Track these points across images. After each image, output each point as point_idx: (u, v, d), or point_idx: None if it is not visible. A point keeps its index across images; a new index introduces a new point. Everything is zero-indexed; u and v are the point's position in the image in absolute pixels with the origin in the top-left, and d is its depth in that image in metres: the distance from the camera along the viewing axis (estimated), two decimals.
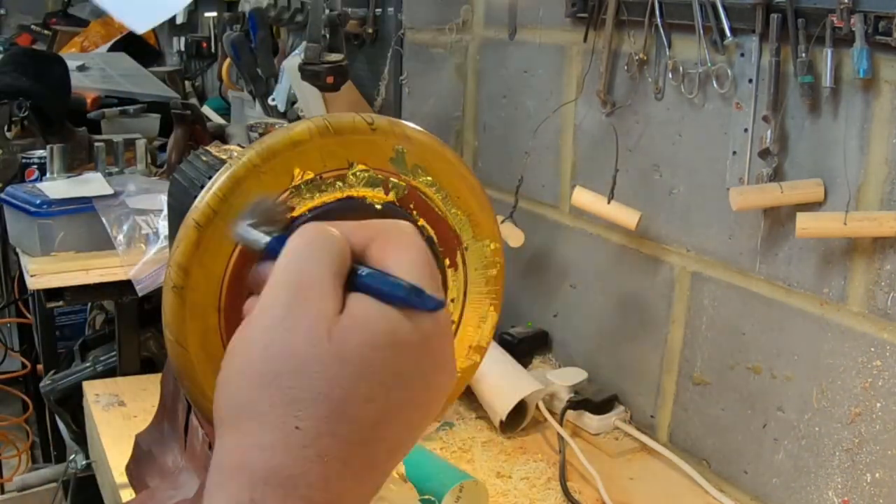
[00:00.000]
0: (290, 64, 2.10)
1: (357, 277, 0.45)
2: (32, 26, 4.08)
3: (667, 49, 1.24)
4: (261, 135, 2.03)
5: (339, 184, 0.76)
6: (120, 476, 1.20)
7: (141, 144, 2.04)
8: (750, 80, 1.12)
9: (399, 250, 0.46)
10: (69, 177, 1.86)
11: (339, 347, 0.42)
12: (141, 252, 1.61)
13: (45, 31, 3.96)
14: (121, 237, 1.63)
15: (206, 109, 2.86)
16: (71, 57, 2.83)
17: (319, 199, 0.76)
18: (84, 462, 1.52)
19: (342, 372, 0.42)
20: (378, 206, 0.78)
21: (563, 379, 1.43)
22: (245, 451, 0.41)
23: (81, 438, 1.66)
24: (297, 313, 0.43)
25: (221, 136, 2.34)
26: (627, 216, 1.31)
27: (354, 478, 0.42)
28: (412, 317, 0.44)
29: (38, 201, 1.66)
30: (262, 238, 0.52)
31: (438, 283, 0.47)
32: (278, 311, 0.43)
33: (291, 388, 0.42)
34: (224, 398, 0.44)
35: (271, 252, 0.49)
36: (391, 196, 0.79)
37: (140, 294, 1.57)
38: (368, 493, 0.44)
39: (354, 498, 0.43)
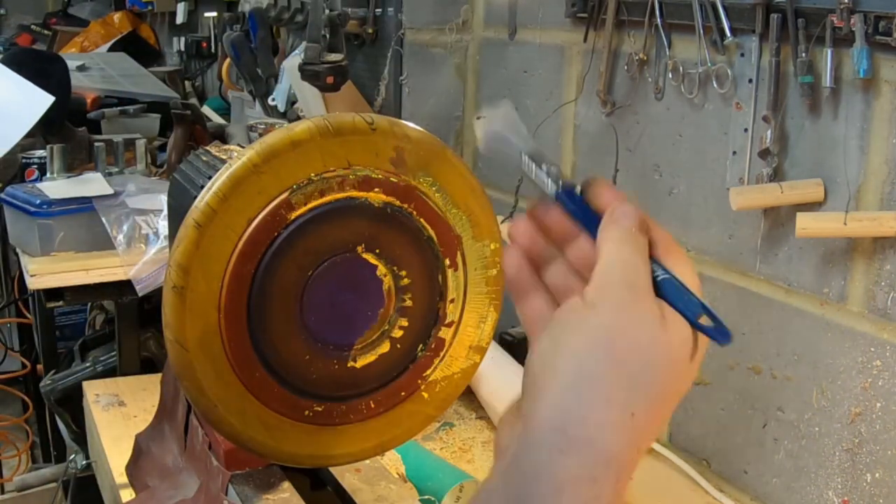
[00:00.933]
0: (290, 64, 2.10)
1: (664, 286, 0.49)
2: (32, 26, 4.08)
3: (667, 49, 1.24)
4: (261, 135, 2.03)
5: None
6: (120, 476, 1.20)
7: (141, 144, 2.04)
8: (750, 80, 1.12)
9: (683, 263, 0.51)
10: (69, 177, 1.86)
11: (669, 350, 0.47)
12: (141, 252, 1.61)
13: (45, 31, 3.96)
14: (121, 237, 1.63)
15: (206, 109, 2.86)
16: (71, 57, 2.83)
17: (320, 200, 0.76)
18: (84, 462, 1.52)
19: (668, 370, 0.47)
20: (378, 206, 0.78)
21: None
22: (593, 426, 0.44)
23: (81, 438, 1.66)
24: (641, 311, 0.47)
25: (221, 136, 2.34)
26: None
27: (636, 463, 0.46)
28: (702, 340, 0.49)
29: (38, 201, 1.66)
30: (549, 179, 0.56)
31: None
32: (625, 305, 0.47)
33: (636, 376, 0.45)
34: (556, 363, 0.47)
35: (560, 201, 0.54)
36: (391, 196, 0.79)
37: (140, 294, 1.57)
38: None
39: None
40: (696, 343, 0.49)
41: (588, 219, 0.52)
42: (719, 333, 0.49)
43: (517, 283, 0.55)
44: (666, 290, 0.48)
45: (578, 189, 0.54)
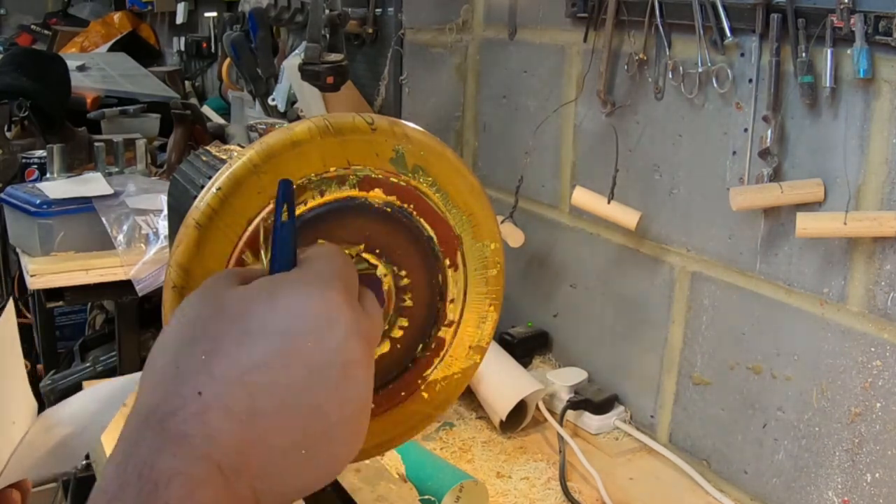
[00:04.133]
0: (290, 64, 2.10)
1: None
2: (32, 26, 4.08)
3: (667, 49, 1.24)
4: (261, 135, 2.03)
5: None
6: None
7: (141, 144, 2.04)
8: (750, 80, 1.12)
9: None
10: (69, 177, 1.86)
11: (218, 301, 0.48)
12: (141, 252, 1.61)
13: (45, 31, 3.96)
14: (121, 237, 1.63)
15: (206, 109, 2.86)
16: (71, 57, 2.83)
17: (320, 200, 0.76)
18: (84, 462, 1.52)
19: (216, 318, 0.47)
20: (378, 206, 0.78)
21: (563, 379, 1.43)
22: (141, 397, 0.47)
23: None
24: (206, 286, 0.51)
25: (221, 136, 2.34)
26: (627, 216, 1.31)
27: (242, 420, 0.45)
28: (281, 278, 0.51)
29: (38, 201, 1.66)
30: None
31: (343, 280, 0.52)
32: (194, 294, 0.51)
33: (180, 334, 0.48)
34: (147, 369, 0.50)
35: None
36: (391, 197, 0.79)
37: (140, 294, 1.57)
38: (288, 452, 0.46)
39: (258, 445, 0.45)
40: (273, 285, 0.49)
41: None
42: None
43: None
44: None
45: None
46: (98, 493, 0.44)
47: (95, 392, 0.88)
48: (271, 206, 0.73)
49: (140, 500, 0.42)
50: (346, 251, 0.61)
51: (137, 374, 0.88)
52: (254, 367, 0.46)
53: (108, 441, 1.33)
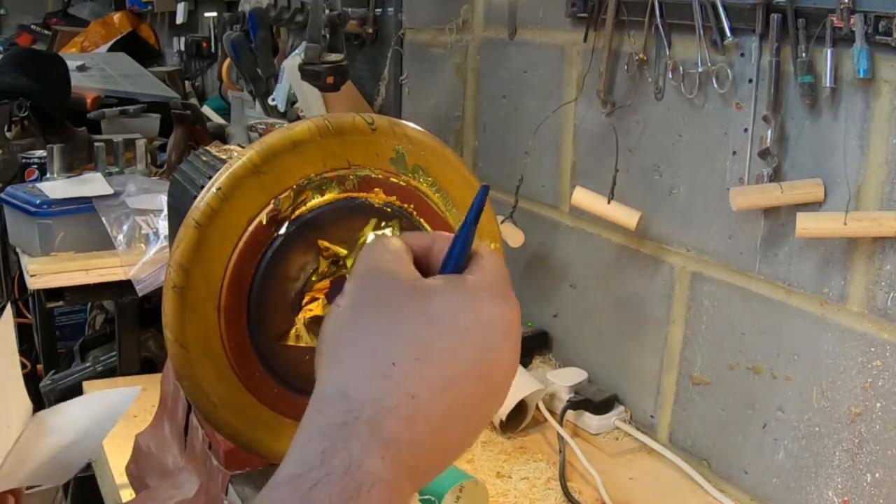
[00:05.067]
0: (290, 64, 2.10)
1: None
2: (32, 26, 4.08)
3: (667, 49, 1.24)
4: (261, 135, 2.03)
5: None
6: (120, 476, 1.20)
7: (141, 144, 2.04)
8: (750, 80, 1.12)
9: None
10: (69, 177, 1.86)
11: (424, 301, 0.48)
12: (141, 252, 1.61)
13: (45, 31, 3.96)
14: (121, 237, 1.63)
15: (206, 109, 2.86)
16: (71, 57, 2.83)
17: (320, 199, 0.76)
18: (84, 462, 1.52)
19: (427, 321, 0.48)
20: (378, 206, 0.78)
21: (563, 379, 1.43)
22: (346, 382, 0.47)
23: None
24: (384, 281, 0.50)
25: (221, 136, 2.34)
26: (627, 216, 1.31)
27: (435, 422, 0.47)
28: (486, 288, 0.51)
29: (38, 201, 1.66)
30: None
31: (504, 273, 0.53)
32: (367, 280, 0.51)
33: (386, 333, 0.48)
34: (327, 341, 0.50)
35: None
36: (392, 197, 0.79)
37: (140, 294, 1.57)
38: (449, 448, 0.49)
39: (437, 442, 0.47)
40: (477, 300, 0.50)
41: None
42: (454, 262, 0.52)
43: None
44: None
45: None
46: (297, 474, 0.44)
47: (92, 402, 0.89)
48: (271, 205, 0.73)
49: (344, 498, 0.43)
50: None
51: (135, 389, 0.88)
52: (459, 378, 0.48)
53: (109, 441, 1.33)
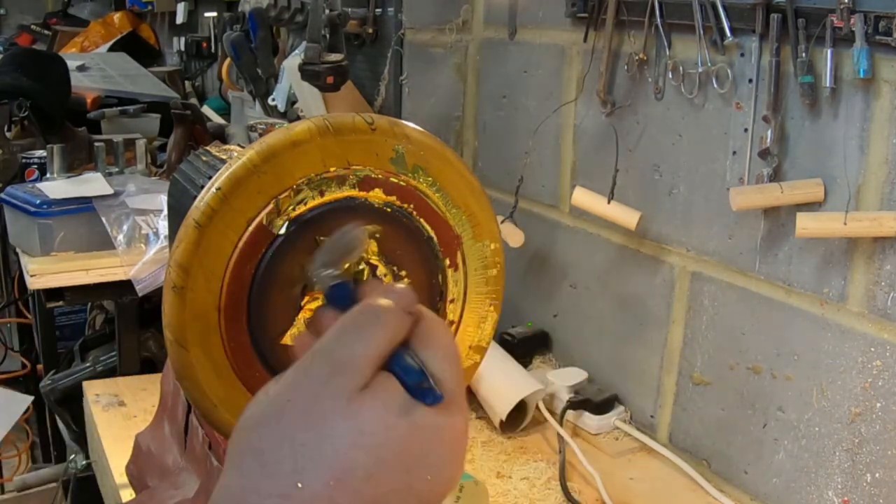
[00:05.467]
0: (290, 64, 2.10)
1: (393, 359, 0.48)
2: (32, 26, 4.08)
3: (667, 49, 1.24)
4: (261, 135, 2.03)
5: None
6: (120, 476, 1.20)
7: (141, 144, 2.04)
8: (750, 80, 1.12)
9: (441, 341, 0.49)
10: (69, 177, 1.86)
11: (355, 418, 0.44)
12: (141, 252, 1.61)
13: (45, 31, 3.96)
14: (121, 237, 1.63)
15: (206, 109, 2.86)
16: (71, 57, 2.83)
17: (320, 200, 0.76)
18: (84, 462, 1.52)
19: (351, 441, 0.44)
20: (378, 206, 0.78)
21: (563, 379, 1.43)
22: (245, 494, 0.43)
23: (81, 438, 1.66)
24: (327, 382, 0.45)
25: (221, 136, 2.34)
26: (627, 216, 1.31)
27: None
28: (433, 410, 0.46)
29: (38, 201, 1.66)
30: (326, 281, 0.54)
31: (460, 378, 0.49)
32: (313, 375, 0.46)
33: (303, 446, 0.44)
34: (239, 439, 0.46)
35: (330, 298, 0.53)
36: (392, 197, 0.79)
37: (140, 294, 1.57)
38: None
39: None
40: (411, 420, 0.46)
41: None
42: (423, 393, 0.47)
43: None
44: (392, 364, 0.47)
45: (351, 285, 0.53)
46: None
47: None
48: (271, 205, 0.73)
49: None
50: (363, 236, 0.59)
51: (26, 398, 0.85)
52: (377, 499, 0.44)
53: (109, 441, 1.33)
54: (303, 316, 0.78)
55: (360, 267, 0.59)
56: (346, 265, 0.56)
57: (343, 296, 0.53)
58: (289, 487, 0.43)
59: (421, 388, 0.47)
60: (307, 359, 0.47)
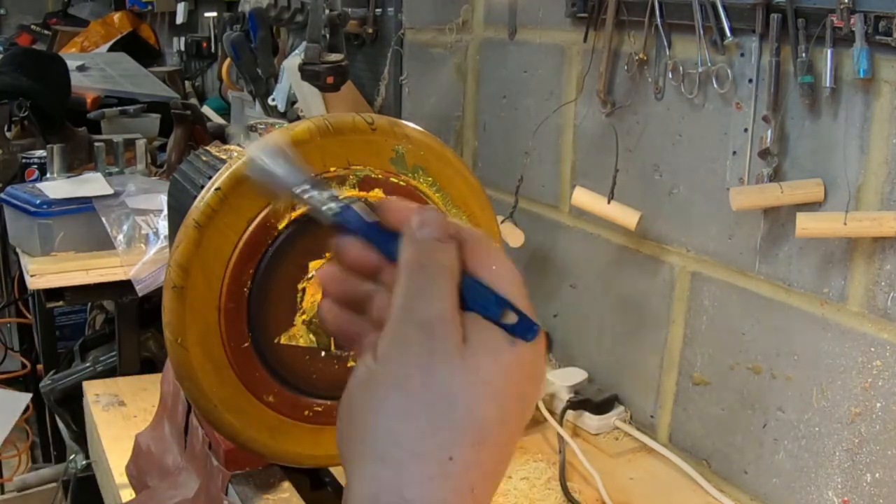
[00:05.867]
0: (290, 64, 2.10)
1: (468, 292, 0.46)
2: (32, 26, 4.08)
3: (667, 49, 1.24)
4: (261, 135, 2.03)
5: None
6: (120, 476, 1.20)
7: (141, 144, 2.04)
8: (750, 80, 1.12)
9: (495, 260, 0.47)
10: (69, 177, 1.86)
11: (474, 371, 0.43)
12: (141, 252, 1.61)
13: (45, 31, 3.96)
14: (121, 237, 1.63)
15: (206, 109, 2.86)
16: (71, 57, 2.83)
17: None
18: (84, 462, 1.52)
19: (479, 395, 0.43)
20: None
21: (563, 379, 1.43)
22: (406, 484, 0.41)
23: (81, 438, 1.66)
24: (431, 345, 0.44)
25: (221, 136, 2.34)
26: (627, 216, 1.31)
27: (487, 498, 0.44)
28: (523, 345, 0.45)
29: (38, 201, 1.66)
30: (328, 204, 0.49)
31: (524, 293, 0.48)
32: (410, 342, 0.44)
33: (437, 417, 0.42)
34: (358, 429, 0.44)
35: (343, 224, 0.48)
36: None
37: (140, 294, 1.57)
38: None
39: None
40: (514, 354, 0.45)
41: (382, 238, 0.48)
42: (523, 329, 0.46)
43: (342, 333, 0.50)
44: (480, 307, 0.46)
45: (360, 209, 0.49)
46: None
47: None
48: (271, 206, 0.73)
49: None
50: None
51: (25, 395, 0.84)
52: (509, 445, 0.45)
53: (109, 441, 1.33)
54: (303, 316, 0.78)
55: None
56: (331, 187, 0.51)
57: (358, 222, 0.48)
58: (441, 464, 0.42)
59: (519, 326, 0.45)
60: (395, 330, 0.45)
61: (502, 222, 1.49)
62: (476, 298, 0.45)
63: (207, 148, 1.04)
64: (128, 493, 1.15)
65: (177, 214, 0.93)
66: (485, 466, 0.43)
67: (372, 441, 0.43)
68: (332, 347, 0.80)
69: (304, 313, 0.78)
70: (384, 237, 0.47)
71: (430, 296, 0.45)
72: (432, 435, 0.42)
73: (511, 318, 0.45)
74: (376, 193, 0.77)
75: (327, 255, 0.76)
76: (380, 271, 0.48)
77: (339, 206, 0.48)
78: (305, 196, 0.49)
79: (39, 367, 2.40)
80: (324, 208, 0.48)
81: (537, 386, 0.47)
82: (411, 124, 0.79)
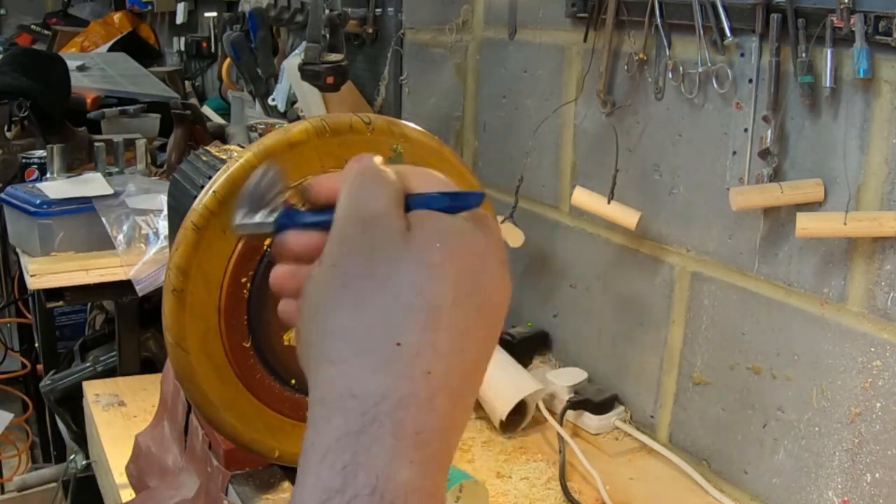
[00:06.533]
0: (290, 64, 2.10)
1: (409, 200, 0.46)
2: (32, 26, 4.08)
3: (667, 49, 1.24)
4: (261, 135, 2.03)
5: None
6: (120, 476, 1.20)
7: (141, 144, 2.04)
8: (750, 80, 1.12)
9: (428, 180, 0.47)
10: (69, 177, 1.86)
11: (419, 255, 0.42)
12: (141, 252, 1.61)
13: (45, 31, 3.96)
14: (121, 237, 1.63)
15: (206, 109, 2.86)
16: (71, 57, 2.83)
17: None
18: (84, 462, 1.52)
19: (426, 278, 0.42)
20: None
21: (563, 379, 1.43)
22: (351, 379, 0.40)
23: (81, 438, 1.66)
24: (372, 236, 0.43)
25: (221, 136, 2.34)
26: (627, 216, 1.31)
27: (455, 391, 0.42)
28: (468, 219, 0.45)
29: (38, 201, 1.66)
30: (266, 220, 0.50)
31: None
32: (353, 239, 0.43)
33: (383, 304, 0.41)
34: (310, 335, 0.43)
35: (283, 227, 0.49)
36: None
37: (140, 294, 1.57)
38: (467, 409, 0.44)
39: (458, 413, 0.42)
40: (453, 225, 0.44)
41: (322, 218, 0.48)
42: (464, 199, 0.46)
43: (287, 290, 0.50)
44: (419, 200, 0.46)
45: (297, 203, 0.50)
46: (319, 501, 0.38)
47: None
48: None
49: None
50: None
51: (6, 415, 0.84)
52: (468, 330, 0.42)
53: (109, 441, 1.33)
54: None
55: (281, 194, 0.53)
56: (273, 199, 0.51)
57: (296, 215, 0.49)
58: (390, 352, 0.40)
59: (456, 200, 0.45)
60: (338, 230, 0.44)
61: (502, 222, 1.49)
62: (418, 201, 0.46)
63: (207, 148, 1.04)
64: (128, 493, 1.15)
65: (177, 214, 0.93)
66: (440, 348, 0.41)
67: (319, 344, 0.42)
68: None
69: None
70: (324, 216, 0.47)
71: (370, 196, 0.44)
72: (379, 325, 0.41)
73: (456, 199, 0.46)
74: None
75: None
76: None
77: (273, 216, 0.49)
78: (243, 230, 0.50)
79: (39, 367, 2.40)
80: (262, 228, 0.49)
81: (489, 261, 0.45)
82: (410, 124, 0.79)
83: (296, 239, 0.48)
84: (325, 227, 0.47)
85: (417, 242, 0.43)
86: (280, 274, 0.49)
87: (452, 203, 0.46)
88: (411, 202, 0.46)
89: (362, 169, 0.46)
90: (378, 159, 0.47)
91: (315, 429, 0.40)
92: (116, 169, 2.00)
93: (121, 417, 1.41)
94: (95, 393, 1.50)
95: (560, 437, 1.31)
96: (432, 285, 0.42)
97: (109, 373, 1.75)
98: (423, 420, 0.40)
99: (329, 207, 0.47)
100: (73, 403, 1.75)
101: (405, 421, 0.39)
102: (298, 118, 2.09)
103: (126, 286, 1.57)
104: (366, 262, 0.43)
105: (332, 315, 0.42)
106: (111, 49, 3.40)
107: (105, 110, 2.56)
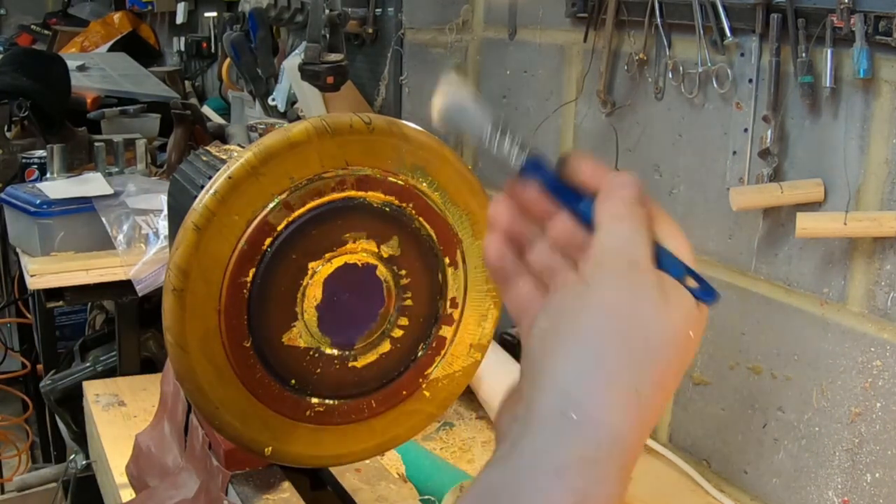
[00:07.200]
0: (290, 64, 2.10)
1: (664, 260, 0.49)
2: (32, 26, 4.08)
3: (667, 49, 1.24)
4: (261, 135, 2.03)
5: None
6: (120, 476, 1.20)
7: (141, 144, 2.04)
8: (750, 80, 1.12)
9: (672, 231, 0.51)
10: (69, 177, 1.86)
11: (670, 324, 0.46)
12: (141, 252, 1.61)
13: (45, 31, 3.96)
14: (121, 237, 1.63)
15: (206, 109, 2.86)
16: (71, 57, 2.83)
17: (318, 200, 0.76)
18: (84, 462, 1.52)
19: (670, 346, 0.46)
20: (377, 206, 0.78)
21: None
22: (596, 408, 0.43)
23: (81, 438, 1.66)
24: (642, 285, 0.46)
25: (221, 136, 2.34)
26: None
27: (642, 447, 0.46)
28: (703, 309, 0.49)
29: (38, 201, 1.66)
30: (513, 150, 0.53)
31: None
32: (626, 281, 0.46)
33: (640, 353, 0.45)
34: (569, 345, 0.45)
35: (529, 172, 0.51)
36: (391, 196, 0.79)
37: (140, 294, 1.57)
38: None
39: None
40: (698, 314, 0.48)
41: (564, 192, 0.50)
42: (703, 293, 0.49)
43: (501, 270, 0.52)
44: (676, 271, 0.49)
45: (550, 161, 0.52)
46: (487, 479, 0.43)
47: None
48: (270, 207, 0.73)
49: None
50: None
51: None
52: (664, 407, 0.48)
53: (109, 441, 1.33)
54: (302, 317, 0.78)
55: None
56: (518, 135, 0.54)
57: (543, 171, 0.51)
58: (631, 393, 0.44)
59: (699, 291, 0.49)
60: (604, 262, 0.47)
61: None
62: (663, 260, 0.48)
63: (207, 148, 1.04)
64: (128, 493, 1.15)
65: (177, 214, 0.93)
66: (658, 411, 0.45)
67: (566, 354, 0.45)
68: (331, 348, 0.80)
69: (304, 314, 0.78)
70: (563, 190, 0.50)
71: (635, 241, 0.47)
72: (628, 365, 0.44)
73: (692, 284, 0.49)
74: (375, 193, 0.77)
75: (326, 255, 0.76)
76: (547, 220, 0.50)
77: (525, 157, 0.52)
78: (492, 143, 0.53)
79: (39, 367, 2.40)
80: (511, 157, 0.52)
81: (696, 349, 0.49)
82: (410, 124, 0.79)
83: (536, 194, 0.50)
84: (567, 204, 0.49)
85: (674, 310, 0.46)
86: (501, 209, 0.52)
87: (698, 289, 0.49)
88: (658, 258, 0.48)
89: (626, 209, 0.48)
90: (637, 186, 0.50)
91: (544, 433, 0.43)
92: (116, 169, 2.00)
93: (121, 417, 1.41)
94: (95, 393, 1.50)
95: None
96: (673, 352, 0.46)
97: (109, 373, 1.75)
98: (632, 464, 0.44)
99: (572, 188, 0.49)
100: (73, 403, 1.76)
101: (627, 466, 0.43)
102: (298, 118, 2.09)
103: (126, 286, 1.57)
104: (629, 302, 0.45)
105: (589, 337, 0.45)
106: (111, 49, 3.40)
107: (105, 110, 2.56)
